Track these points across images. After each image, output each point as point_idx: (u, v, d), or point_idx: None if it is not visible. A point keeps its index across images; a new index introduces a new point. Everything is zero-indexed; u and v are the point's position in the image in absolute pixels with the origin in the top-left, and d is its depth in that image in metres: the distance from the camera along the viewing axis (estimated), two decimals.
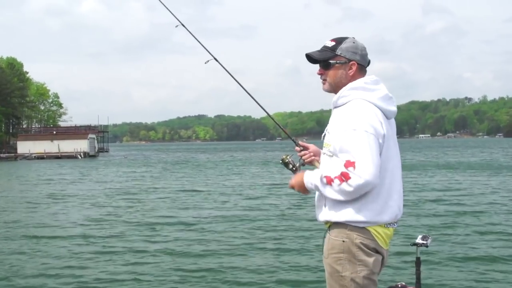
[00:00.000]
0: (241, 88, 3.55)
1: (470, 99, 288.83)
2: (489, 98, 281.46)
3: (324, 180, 2.68)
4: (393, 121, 2.88)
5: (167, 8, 4.10)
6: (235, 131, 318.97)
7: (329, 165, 2.76)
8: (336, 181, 2.62)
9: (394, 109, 2.83)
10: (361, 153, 2.57)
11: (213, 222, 12.26)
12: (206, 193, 19.12)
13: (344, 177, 2.58)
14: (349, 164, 2.57)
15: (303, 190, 2.86)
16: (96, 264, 8.38)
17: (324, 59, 2.84)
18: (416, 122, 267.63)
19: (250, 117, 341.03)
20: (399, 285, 3.54)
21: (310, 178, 2.79)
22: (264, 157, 57.54)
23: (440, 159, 42.84)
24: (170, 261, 8.47)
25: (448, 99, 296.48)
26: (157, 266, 8.15)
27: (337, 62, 2.81)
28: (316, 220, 2.94)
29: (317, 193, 2.87)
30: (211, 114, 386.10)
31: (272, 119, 3.64)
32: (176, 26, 3.98)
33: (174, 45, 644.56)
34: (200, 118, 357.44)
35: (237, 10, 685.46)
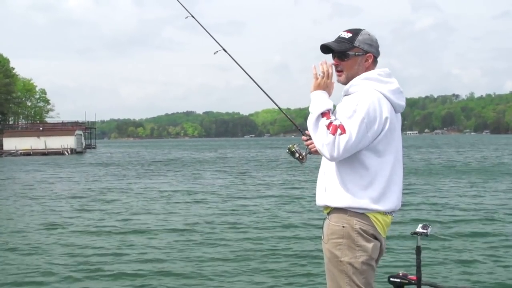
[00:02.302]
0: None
1: (457, 96, 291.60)
2: (476, 95, 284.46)
3: (326, 111, 2.76)
4: (399, 115, 2.93)
5: (178, 1, 4.17)
6: (224, 127, 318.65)
7: None
8: (327, 122, 2.70)
9: (403, 103, 2.88)
10: (352, 131, 2.64)
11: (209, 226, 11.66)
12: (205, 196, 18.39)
13: (333, 128, 2.66)
14: (342, 128, 2.66)
15: (314, 87, 2.89)
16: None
17: (342, 50, 2.87)
18: (404, 118, 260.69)
19: (238, 113, 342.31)
20: (400, 274, 3.61)
21: (321, 98, 2.83)
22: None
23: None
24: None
25: (435, 96, 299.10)
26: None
27: (356, 54, 2.86)
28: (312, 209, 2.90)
29: (319, 176, 2.95)
30: (200, 110, 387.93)
31: (283, 112, 3.70)
32: (186, 17, 4.08)
33: (163, 41, 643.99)
34: (188, 115, 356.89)
35: (226, 6, 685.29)
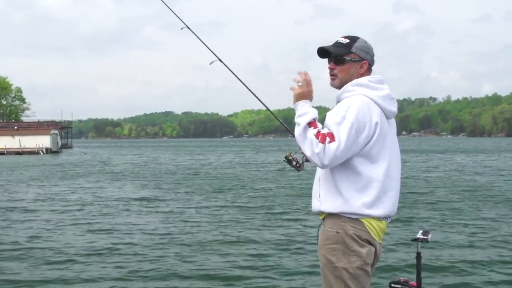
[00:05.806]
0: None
1: (434, 99, 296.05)
2: (453, 98, 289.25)
3: (312, 120, 2.77)
4: (393, 121, 2.99)
5: (173, 12, 4.25)
6: (202, 128, 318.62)
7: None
8: (315, 131, 2.72)
9: (394, 109, 2.94)
10: (342, 138, 2.68)
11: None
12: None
13: (322, 137, 2.69)
14: (331, 136, 2.69)
15: (297, 98, 2.88)
16: None
17: (339, 55, 2.94)
18: None
19: (217, 114, 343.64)
20: (401, 280, 3.64)
21: (306, 108, 2.83)
22: None
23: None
24: None
25: (413, 99, 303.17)
26: None
27: (352, 59, 2.93)
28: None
29: (314, 182, 2.99)
30: (178, 110, 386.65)
31: (274, 116, 3.64)
32: (182, 28, 4.13)
33: (143, 40, 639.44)
34: (167, 115, 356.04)
35: (206, 5, 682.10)
